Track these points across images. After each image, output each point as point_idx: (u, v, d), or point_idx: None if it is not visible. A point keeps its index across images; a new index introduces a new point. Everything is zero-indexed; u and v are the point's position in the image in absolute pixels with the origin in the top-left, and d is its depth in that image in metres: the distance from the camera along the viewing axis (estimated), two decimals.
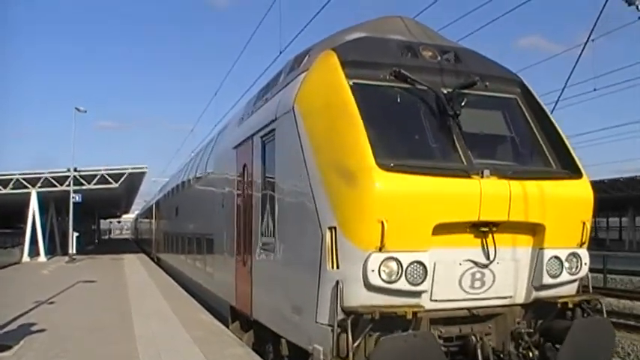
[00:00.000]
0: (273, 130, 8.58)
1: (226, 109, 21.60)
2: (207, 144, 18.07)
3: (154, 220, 38.96)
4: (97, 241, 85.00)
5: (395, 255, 6.36)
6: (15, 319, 13.05)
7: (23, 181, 38.57)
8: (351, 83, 7.09)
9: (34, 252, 40.45)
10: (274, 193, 8.52)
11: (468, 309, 6.94)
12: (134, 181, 44.66)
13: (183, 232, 20.76)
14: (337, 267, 6.54)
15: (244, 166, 10.41)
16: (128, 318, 13.41)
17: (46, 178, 39.08)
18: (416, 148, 7.32)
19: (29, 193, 39.48)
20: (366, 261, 6.31)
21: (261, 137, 9.24)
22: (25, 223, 40.94)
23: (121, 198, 56.43)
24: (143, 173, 43.16)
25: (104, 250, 54.22)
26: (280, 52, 13.28)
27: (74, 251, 40.14)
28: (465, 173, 6.79)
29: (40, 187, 39.50)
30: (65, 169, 39.40)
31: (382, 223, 6.21)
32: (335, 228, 6.53)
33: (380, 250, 6.29)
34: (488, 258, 6.85)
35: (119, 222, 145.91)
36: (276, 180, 8.53)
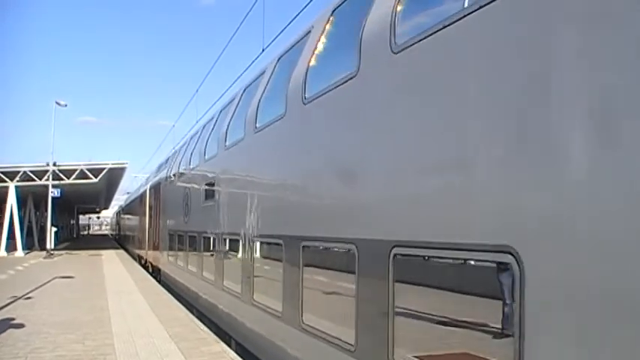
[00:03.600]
0: None
1: (207, 107, 21.44)
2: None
3: (147, 213, 28.11)
4: (75, 236, 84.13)
5: None
6: None
7: (1, 175, 38.19)
8: None
9: (10, 247, 40.00)
10: None
11: None
12: (114, 176, 44.43)
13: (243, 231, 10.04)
14: None
15: None
16: (105, 315, 13.39)
17: (25, 172, 38.71)
18: None
19: (7, 187, 39.08)
20: None
21: None
22: (3, 217, 40.50)
23: (100, 193, 56.04)
24: (123, 169, 42.95)
25: (83, 245, 53.68)
26: (263, 50, 13.26)
27: (52, 246, 39.78)
28: None
29: (18, 181, 39.12)
30: (44, 164, 39.05)
31: None
32: None
33: None
34: None
35: (98, 217, 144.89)
36: None
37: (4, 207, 40.21)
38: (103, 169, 39.53)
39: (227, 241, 11.56)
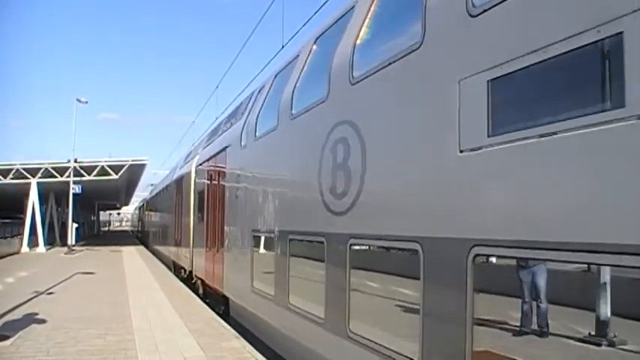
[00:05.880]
0: None
1: (227, 103, 21.34)
2: None
3: (192, 202, 19.38)
4: (96, 232, 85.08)
5: None
6: (13, 309, 13.09)
7: (23, 172, 38.68)
8: None
9: (33, 242, 40.52)
10: None
11: None
12: (135, 172, 44.69)
13: None
14: None
15: None
16: (126, 310, 13.45)
17: (47, 169, 39.19)
18: None
19: (29, 184, 39.59)
20: None
21: None
22: (25, 213, 41.02)
23: (121, 190, 56.49)
24: (144, 165, 43.22)
25: (103, 242, 54.18)
26: (282, 46, 13.20)
27: (73, 242, 40.21)
28: None
29: (40, 178, 39.61)
30: (65, 160, 39.49)
31: None
32: None
33: None
34: None
35: (119, 214, 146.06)
36: None
37: (26, 203, 40.74)
38: (124, 165, 39.83)
39: None
